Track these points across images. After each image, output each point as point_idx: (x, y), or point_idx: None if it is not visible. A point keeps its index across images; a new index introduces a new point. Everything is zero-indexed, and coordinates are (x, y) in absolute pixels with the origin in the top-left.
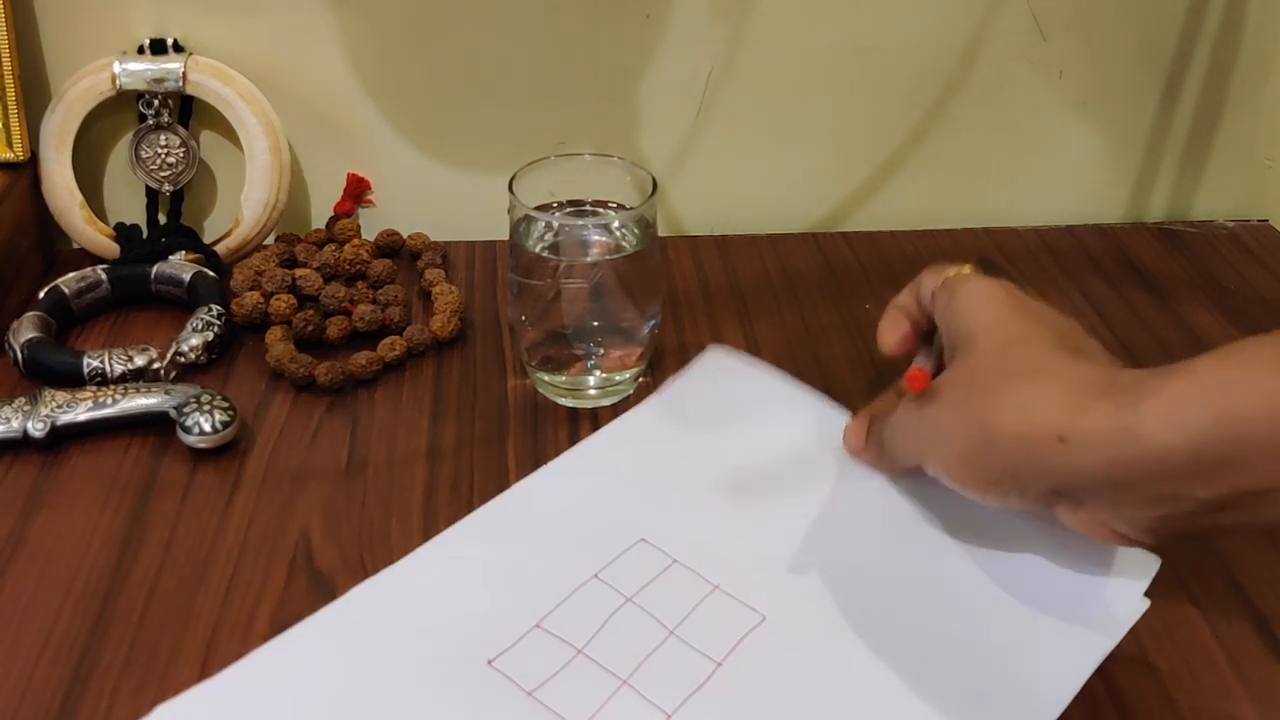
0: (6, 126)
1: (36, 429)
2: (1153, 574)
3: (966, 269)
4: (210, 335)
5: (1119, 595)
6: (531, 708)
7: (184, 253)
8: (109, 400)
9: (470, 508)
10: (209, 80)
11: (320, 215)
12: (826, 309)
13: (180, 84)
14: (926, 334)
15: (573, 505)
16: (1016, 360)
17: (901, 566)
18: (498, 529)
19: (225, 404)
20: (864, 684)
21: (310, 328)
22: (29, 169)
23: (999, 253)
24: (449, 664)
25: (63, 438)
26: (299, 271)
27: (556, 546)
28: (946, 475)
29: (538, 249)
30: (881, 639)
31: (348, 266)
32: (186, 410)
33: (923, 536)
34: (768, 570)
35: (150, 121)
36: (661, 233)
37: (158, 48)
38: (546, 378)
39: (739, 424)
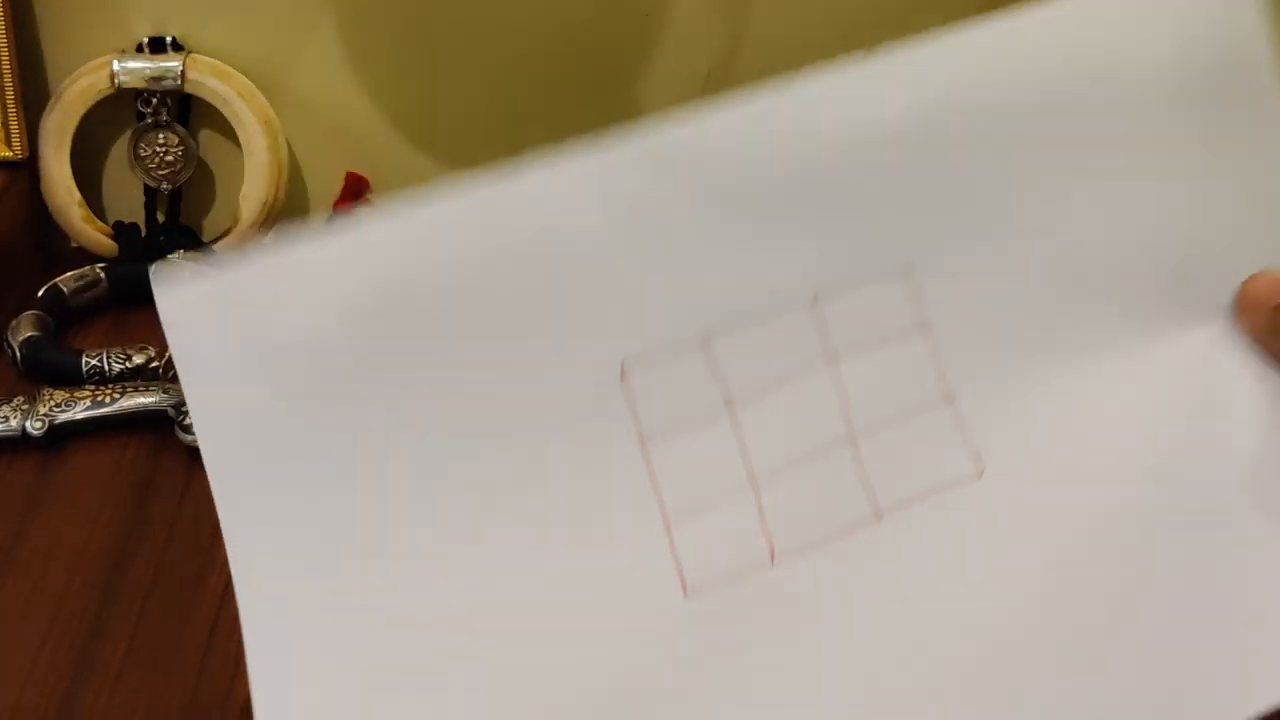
0: (5, 125)
1: (35, 428)
2: None
3: None
4: None
5: None
6: (631, 468)
7: (182, 251)
8: (107, 399)
9: None
10: (208, 78)
11: (319, 214)
12: None
13: (179, 82)
14: None
15: (838, 151)
16: None
17: (1225, 504)
18: (717, 153)
19: None
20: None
21: None
22: (27, 168)
23: None
24: (573, 338)
25: (61, 437)
26: None
27: (788, 216)
28: None
29: None
30: (1116, 590)
31: None
32: (185, 409)
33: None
34: (1034, 408)
35: (149, 120)
36: None
37: (156, 46)
38: None
39: (1168, 149)
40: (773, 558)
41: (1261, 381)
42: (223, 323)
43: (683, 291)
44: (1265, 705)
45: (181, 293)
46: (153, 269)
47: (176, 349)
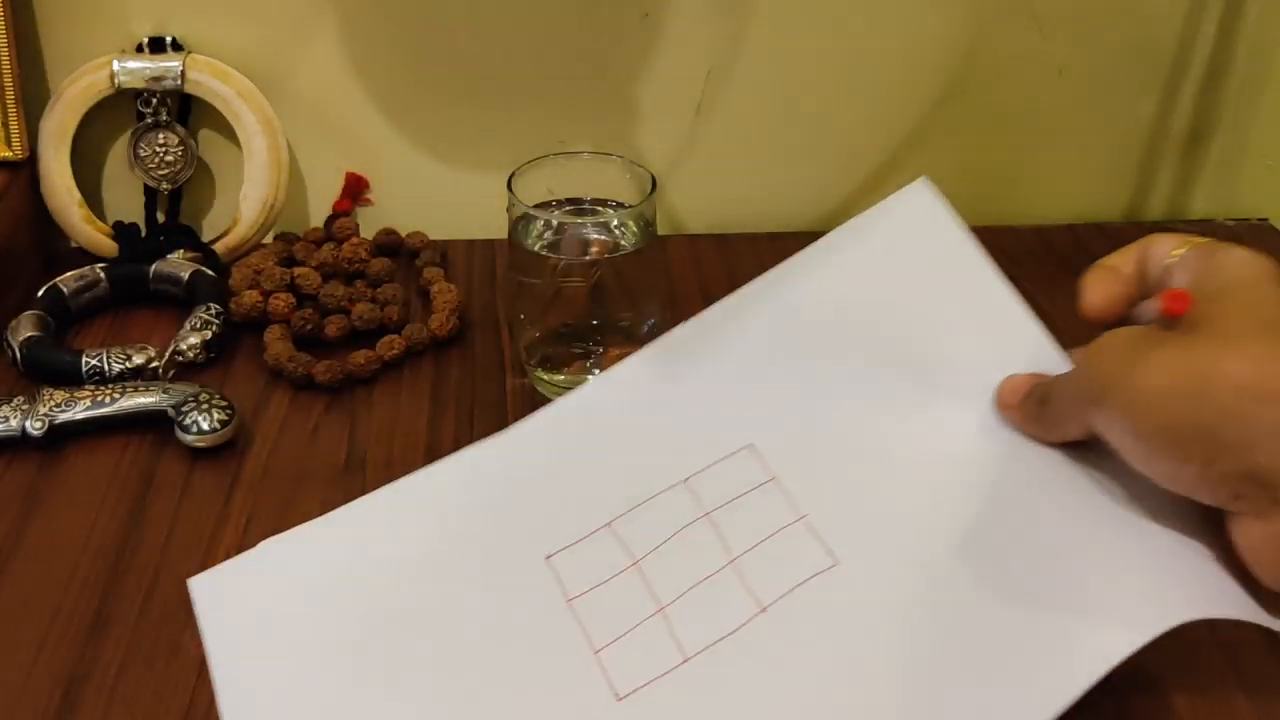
0: (5, 125)
1: (35, 428)
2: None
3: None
4: (209, 334)
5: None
6: (560, 619)
7: (182, 251)
8: (107, 399)
9: None
10: (207, 79)
11: (319, 214)
12: None
13: (179, 82)
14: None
15: (690, 388)
16: (1262, 313)
17: (1011, 549)
18: (603, 408)
19: (223, 403)
20: (902, 668)
21: (309, 326)
22: (27, 168)
23: (999, 253)
24: (505, 553)
25: (61, 437)
26: (297, 270)
27: (659, 438)
28: (1127, 423)
29: (537, 247)
30: (946, 627)
31: (346, 265)
32: (185, 409)
33: (1048, 521)
34: (865, 510)
35: (149, 120)
36: (661, 232)
37: (156, 46)
38: (545, 377)
39: (916, 313)
40: (684, 659)
41: (1028, 453)
42: (245, 607)
43: (589, 502)
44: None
45: (212, 587)
46: (191, 581)
47: (206, 629)
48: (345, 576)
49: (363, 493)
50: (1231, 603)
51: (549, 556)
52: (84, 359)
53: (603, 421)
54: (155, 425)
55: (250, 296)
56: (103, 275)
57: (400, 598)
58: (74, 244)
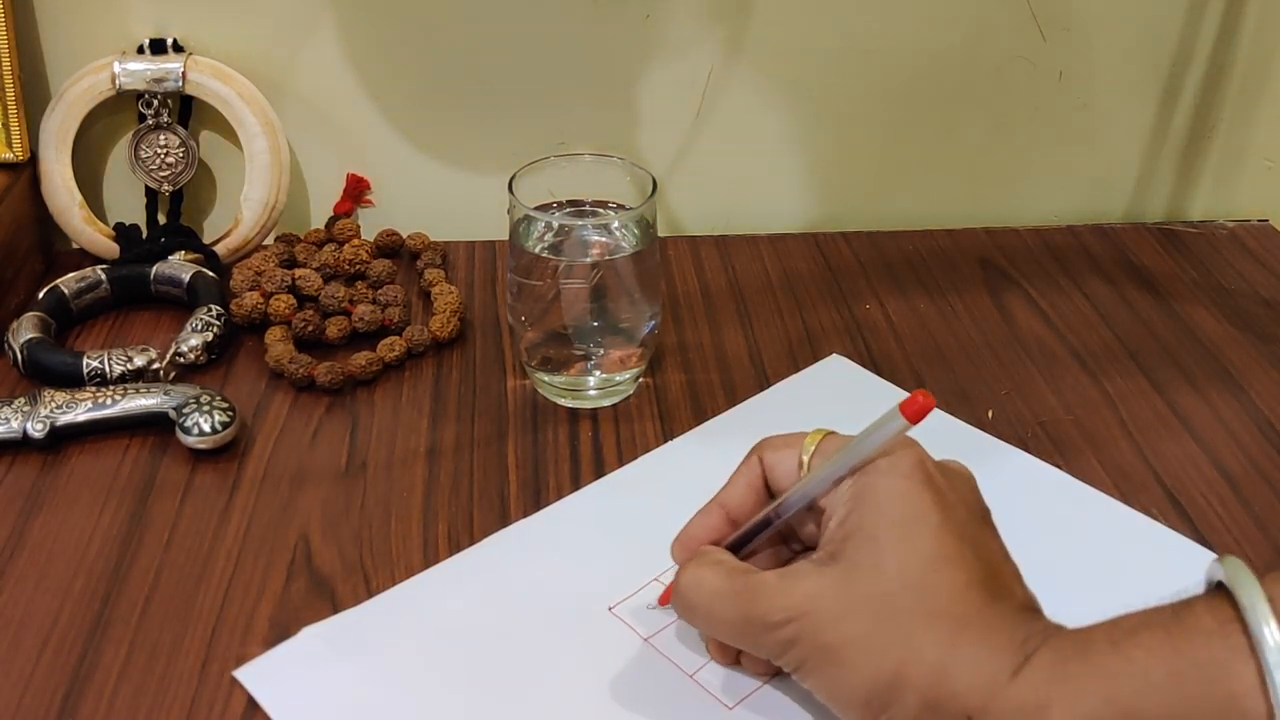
0: (6, 126)
1: (36, 429)
2: None
3: (821, 434)
4: (210, 335)
5: None
6: (648, 652)
7: (183, 253)
8: (108, 401)
9: (469, 509)
10: (208, 80)
11: (320, 215)
12: (826, 309)
13: (180, 84)
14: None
15: (695, 476)
16: (934, 599)
17: None
18: (622, 492)
19: (225, 404)
20: None
21: (310, 328)
22: (29, 169)
23: (999, 253)
24: (572, 608)
25: (62, 438)
26: (298, 272)
27: (677, 510)
28: (835, 706)
29: (537, 249)
30: None
31: (347, 267)
32: (186, 411)
33: None
34: None
35: (150, 121)
36: (661, 233)
37: (157, 47)
38: (546, 378)
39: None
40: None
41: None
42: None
43: (631, 565)
44: None
45: (266, 673)
46: (238, 672)
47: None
48: (411, 644)
49: (363, 494)
50: None
51: (611, 608)
52: (85, 360)
53: (630, 499)
54: (156, 427)
55: (251, 298)
56: (104, 277)
57: (468, 659)
58: (75, 245)
